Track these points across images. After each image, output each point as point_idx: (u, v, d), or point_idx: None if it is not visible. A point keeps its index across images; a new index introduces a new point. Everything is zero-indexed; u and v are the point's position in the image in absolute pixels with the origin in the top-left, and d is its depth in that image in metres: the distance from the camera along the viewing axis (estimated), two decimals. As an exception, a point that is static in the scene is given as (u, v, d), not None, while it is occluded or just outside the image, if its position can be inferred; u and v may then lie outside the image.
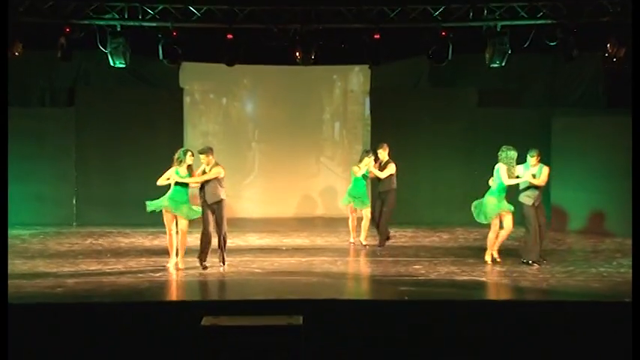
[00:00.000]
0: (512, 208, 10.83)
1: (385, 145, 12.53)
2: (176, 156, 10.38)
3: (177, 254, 10.42)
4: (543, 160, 10.87)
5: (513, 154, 10.66)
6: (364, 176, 12.54)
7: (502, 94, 15.68)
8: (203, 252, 10.37)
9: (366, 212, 12.54)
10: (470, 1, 13.26)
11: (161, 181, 10.37)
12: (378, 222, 12.48)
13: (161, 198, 10.33)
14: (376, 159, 12.47)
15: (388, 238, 12.55)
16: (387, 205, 12.38)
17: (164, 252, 11.13)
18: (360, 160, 12.53)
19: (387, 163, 12.39)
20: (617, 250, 12.01)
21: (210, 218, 10.28)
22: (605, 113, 14.94)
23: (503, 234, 10.91)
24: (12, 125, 9.75)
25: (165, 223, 10.36)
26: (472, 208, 11.01)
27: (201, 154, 10.50)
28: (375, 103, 16.19)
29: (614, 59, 13.73)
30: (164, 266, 10.47)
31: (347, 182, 16.47)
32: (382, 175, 12.32)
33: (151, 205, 10.34)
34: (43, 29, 13.38)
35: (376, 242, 12.55)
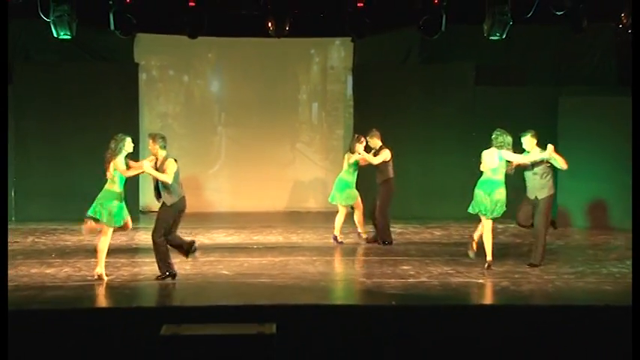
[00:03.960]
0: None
1: (375, 132, 12.54)
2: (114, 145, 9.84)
3: None
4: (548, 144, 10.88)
5: (510, 139, 10.68)
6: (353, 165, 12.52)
7: (502, 71, 15.76)
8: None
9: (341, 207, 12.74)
10: (466, -36, 13.33)
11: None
12: (373, 217, 12.60)
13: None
14: (366, 148, 12.51)
15: (385, 242, 12.52)
16: (379, 198, 12.45)
17: (116, 252, 11.10)
18: (350, 149, 12.55)
19: (380, 149, 12.45)
20: (632, 248, 12.10)
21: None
22: (619, 92, 15.03)
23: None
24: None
25: None
26: (492, 205, 10.76)
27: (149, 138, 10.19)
28: (358, 82, 16.21)
29: (629, 31, 13.82)
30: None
31: (325, 171, 16.62)
32: (375, 160, 12.36)
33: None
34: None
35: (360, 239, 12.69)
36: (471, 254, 10.88)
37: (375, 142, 12.51)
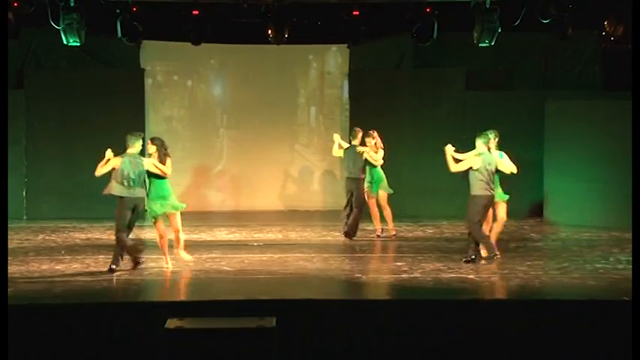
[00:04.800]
0: (507, 197, 10.85)
1: (353, 130, 12.97)
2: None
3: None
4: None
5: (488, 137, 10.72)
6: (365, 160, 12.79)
7: (491, 76, 15.74)
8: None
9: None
10: (456, -26, 13.31)
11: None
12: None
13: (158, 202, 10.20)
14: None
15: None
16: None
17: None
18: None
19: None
20: (615, 245, 12.10)
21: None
22: (602, 96, 15.04)
23: (497, 226, 10.91)
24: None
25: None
26: None
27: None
28: (354, 86, 16.20)
29: (612, 38, 13.83)
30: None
31: (323, 172, 16.61)
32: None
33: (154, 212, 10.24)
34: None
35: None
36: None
37: (356, 142, 12.84)
